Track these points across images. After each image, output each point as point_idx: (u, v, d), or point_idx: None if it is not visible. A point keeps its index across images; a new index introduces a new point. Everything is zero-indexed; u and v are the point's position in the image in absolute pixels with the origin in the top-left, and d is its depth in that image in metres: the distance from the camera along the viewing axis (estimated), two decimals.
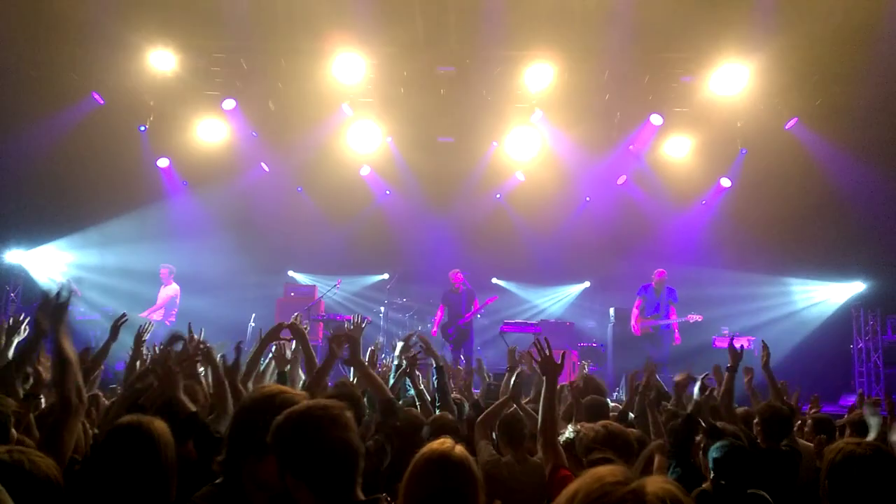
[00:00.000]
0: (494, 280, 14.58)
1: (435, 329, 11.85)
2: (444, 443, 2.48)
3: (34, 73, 10.96)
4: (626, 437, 3.61)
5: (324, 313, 12.50)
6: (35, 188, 11.77)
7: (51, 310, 3.16)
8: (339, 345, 4.20)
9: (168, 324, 11.28)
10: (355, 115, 12.28)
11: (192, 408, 3.45)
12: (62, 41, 10.46)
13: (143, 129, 12.25)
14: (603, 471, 1.26)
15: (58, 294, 3.17)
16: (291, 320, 5.11)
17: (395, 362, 5.52)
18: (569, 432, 3.98)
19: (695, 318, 11.41)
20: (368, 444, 3.62)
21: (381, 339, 11.73)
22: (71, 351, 2.98)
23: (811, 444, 5.01)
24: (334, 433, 2.11)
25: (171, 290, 11.89)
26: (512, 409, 4.55)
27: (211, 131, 12.50)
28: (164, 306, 11.72)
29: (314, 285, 13.27)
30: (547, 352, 3.57)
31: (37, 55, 10.66)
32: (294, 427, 2.12)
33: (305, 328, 5.01)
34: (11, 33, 10.06)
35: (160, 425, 2.67)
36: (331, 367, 4.14)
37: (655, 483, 1.21)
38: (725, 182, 12.99)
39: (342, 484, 2.11)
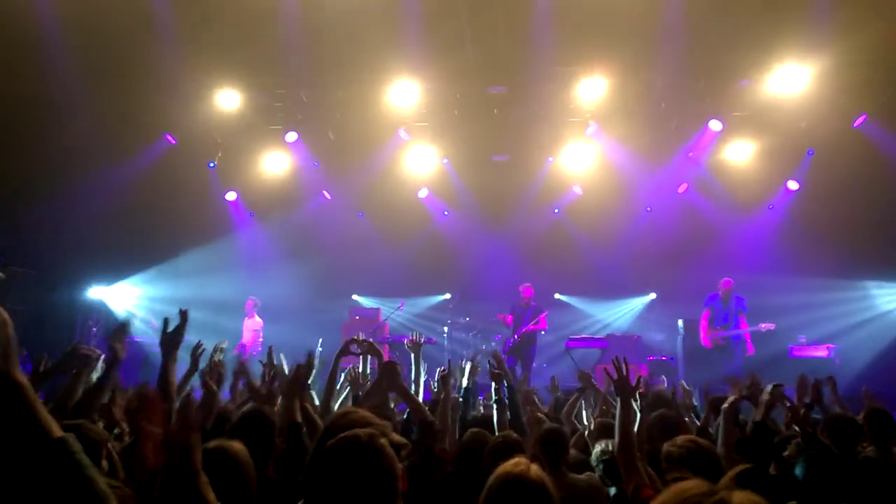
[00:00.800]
0: (557, 295, 14.48)
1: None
2: (518, 463, 2.42)
3: (111, 119, 11.63)
4: (713, 453, 3.47)
5: (388, 336, 12.66)
6: (114, 226, 12.37)
7: (165, 339, 3.33)
8: (385, 374, 4.29)
9: (254, 355, 11.60)
10: (411, 140, 12.56)
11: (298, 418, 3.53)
12: (136, 87, 11.06)
13: (212, 165, 12.81)
14: (688, 485, 1.28)
15: (169, 325, 3.37)
16: (359, 339, 5.22)
17: (466, 384, 5.52)
18: (597, 450, 3.90)
19: (767, 326, 11.01)
20: (404, 464, 3.65)
21: (448, 359, 11.75)
22: (174, 382, 3.15)
23: None
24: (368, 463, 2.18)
25: (256, 323, 12.17)
26: (556, 424, 4.47)
27: (275, 163, 13.00)
28: (252, 339, 12.03)
29: (378, 308, 13.45)
30: (624, 372, 3.51)
31: (113, 101, 11.30)
32: (328, 461, 2.20)
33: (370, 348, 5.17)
34: (89, 83, 10.76)
35: (240, 448, 2.74)
36: (378, 392, 4.30)
37: (742, 495, 1.23)
38: (793, 185, 12.59)
39: None
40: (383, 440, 2.30)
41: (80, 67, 10.37)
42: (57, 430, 1.51)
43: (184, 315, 3.51)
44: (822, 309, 12.50)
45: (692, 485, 1.27)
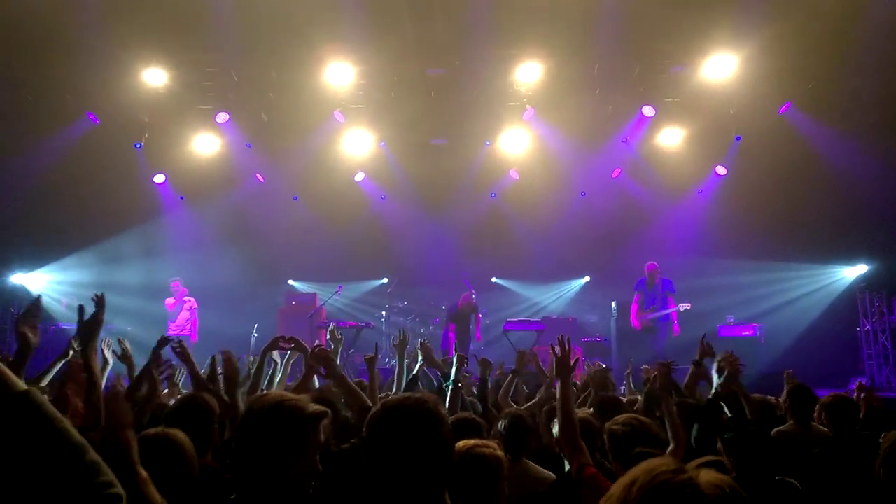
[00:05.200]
0: (494, 279, 14.58)
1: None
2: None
3: (29, 97, 11.07)
4: (654, 430, 3.51)
5: (325, 321, 12.50)
6: (35, 210, 11.87)
7: (80, 330, 3.13)
8: (316, 362, 4.23)
9: (194, 340, 11.29)
10: (347, 122, 12.37)
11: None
12: (55, 63, 10.54)
13: (138, 146, 12.32)
14: (656, 462, 1.29)
15: (90, 314, 3.16)
16: (329, 329, 5.16)
17: (416, 370, 5.48)
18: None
19: (684, 306, 11.34)
20: (345, 447, 3.62)
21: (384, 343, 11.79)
22: (98, 371, 3.01)
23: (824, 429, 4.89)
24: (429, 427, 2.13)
25: (192, 302, 11.84)
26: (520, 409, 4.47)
27: (205, 145, 12.61)
28: (185, 321, 11.71)
29: (315, 293, 13.25)
30: (567, 349, 3.51)
31: (30, 78, 10.76)
32: (391, 419, 2.15)
33: (340, 339, 5.13)
34: (4, 57, 10.18)
35: (183, 436, 2.68)
36: (308, 383, 4.30)
37: (709, 473, 1.26)
38: (721, 170, 12.94)
39: (434, 479, 2.09)
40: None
41: None
42: (20, 385, 1.43)
43: (101, 300, 3.23)
44: (750, 290, 12.96)
45: (661, 462, 1.29)
